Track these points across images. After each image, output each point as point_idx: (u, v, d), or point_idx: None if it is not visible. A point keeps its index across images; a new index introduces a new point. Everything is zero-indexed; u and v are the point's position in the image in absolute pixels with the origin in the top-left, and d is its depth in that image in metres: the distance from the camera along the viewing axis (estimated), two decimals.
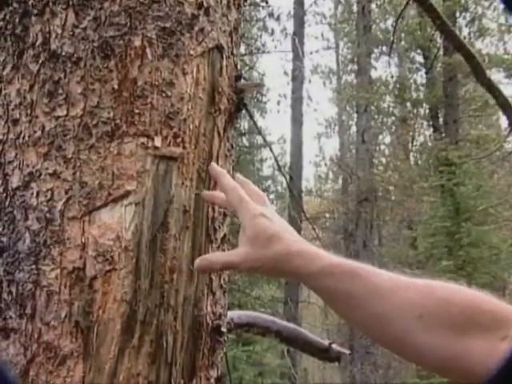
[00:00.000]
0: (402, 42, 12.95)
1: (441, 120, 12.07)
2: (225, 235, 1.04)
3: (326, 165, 18.99)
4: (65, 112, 0.91)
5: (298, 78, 12.40)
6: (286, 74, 14.89)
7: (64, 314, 0.85)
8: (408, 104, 13.97)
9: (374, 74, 14.26)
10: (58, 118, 0.91)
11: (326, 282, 0.76)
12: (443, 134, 10.78)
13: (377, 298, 0.72)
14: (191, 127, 0.96)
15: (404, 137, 14.06)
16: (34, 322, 0.86)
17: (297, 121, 12.53)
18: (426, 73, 12.84)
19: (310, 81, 15.64)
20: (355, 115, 14.65)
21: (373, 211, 12.94)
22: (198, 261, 0.87)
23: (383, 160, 15.71)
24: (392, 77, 13.63)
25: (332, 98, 18.97)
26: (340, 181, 17.91)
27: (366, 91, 12.38)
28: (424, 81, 13.32)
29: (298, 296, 11.68)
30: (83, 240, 0.87)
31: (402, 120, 14.04)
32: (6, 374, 0.67)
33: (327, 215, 16.44)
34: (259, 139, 15.88)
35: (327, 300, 0.78)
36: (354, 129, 16.21)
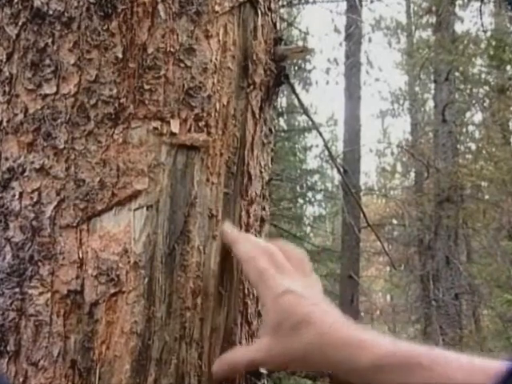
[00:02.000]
0: None
1: None
2: None
3: (392, 154, 18.85)
4: (54, 89, 0.93)
5: (353, 37, 12.34)
6: (337, 31, 14.86)
7: (57, 351, 0.87)
8: (508, 68, 13.75)
9: (459, 28, 14.10)
10: (45, 96, 0.94)
11: (377, 379, 0.77)
12: None
13: None
14: (218, 107, 0.98)
15: (502, 114, 13.84)
16: (19, 362, 0.88)
17: (353, 95, 12.48)
18: None
19: (370, 40, 15.53)
20: (433, 86, 14.51)
21: (458, 215, 12.80)
22: (215, 366, 0.92)
23: (472, 146, 15.51)
24: (485, 31, 13.42)
25: (400, 63, 18.83)
26: (412, 175, 17.76)
27: (448, 52, 12.25)
28: None
29: None
30: (80, 255, 0.89)
31: (499, 90, 13.81)
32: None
33: (395, 221, 16.32)
34: (302, 120, 15.87)
35: None
36: (430, 104, 16.06)
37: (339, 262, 12.52)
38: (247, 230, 1.02)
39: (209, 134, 0.97)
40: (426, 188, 14.89)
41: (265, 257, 0.92)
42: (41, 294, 0.89)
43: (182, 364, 0.91)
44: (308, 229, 15.71)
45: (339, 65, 14.27)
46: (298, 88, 14.29)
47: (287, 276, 0.90)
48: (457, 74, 13.51)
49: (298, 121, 16.26)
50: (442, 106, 12.77)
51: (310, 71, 14.49)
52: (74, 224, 0.91)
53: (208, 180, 0.97)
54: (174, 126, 0.94)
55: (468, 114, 15.54)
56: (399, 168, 19.28)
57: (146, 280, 0.90)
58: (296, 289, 0.88)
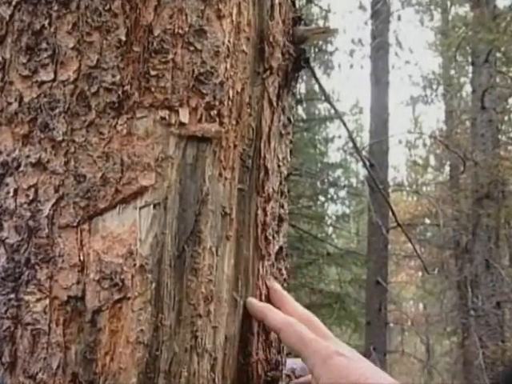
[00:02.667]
0: None
1: None
2: (281, 248, 1.07)
3: (424, 145, 18.80)
4: (51, 75, 0.94)
5: (381, 15, 12.31)
6: (362, 8, 14.82)
7: (56, 362, 0.89)
8: None
9: (500, 3, 14.00)
10: (41, 84, 0.95)
11: None
12: None
13: None
14: (231, 94, 0.99)
15: None
16: (15, 375, 0.90)
17: (380, 80, 12.44)
18: None
19: (399, 17, 15.47)
20: (470, 68, 14.44)
21: (499, 214, 12.73)
22: None
23: None
24: None
25: (434, 44, 18.76)
26: (447, 169, 17.70)
27: (489, 30, 12.17)
28: None
29: (385, 344, 11.61)
30: (81, 257, 0.91)
31: None
32: None
33: (428, 221, 16.27)
34: (323, 108, 15.83)
35: None
36: (468, 89, 15.98)
37: (365, 267, 12.49)
38: (264, 230, 1.03)
39: (221, 124, 0.98)
40: (462, 183, 14.82)
41: (303, 322, 0.97)
42: (38, 300, 0.90)
43: (193, 377, 0.92)
44: (330, 229, 15.69)
45: (365, 46, 14.25)
46: (319, 72, 14.28)
47: (330, 339, 0.96)
48: (498, 54, 13.41)
49: (318, 109, 16.22)
50: (480, 91, 12.69)
51: (332, 53, 14.47)
52: (74, 224, 0.92)
53: (221, 175, 0.98)
54: (183, 115, 0.95)
55: (510, 100, 15.43)
56: (432, 161, 19.22)
57: (154, 285, 0.91)
58: (343, 351, 0.92)
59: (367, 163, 9.82)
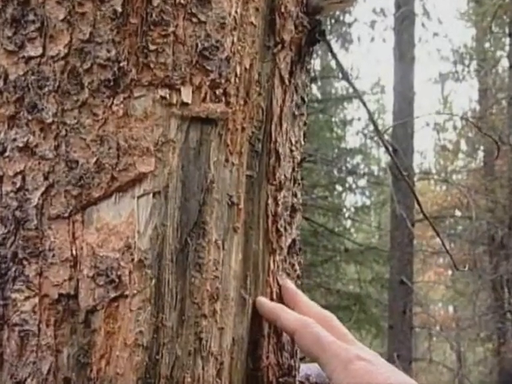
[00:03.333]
0: None
1: None
2: (294, 241, 1.08)
3: (454, 128, 18.75)
4: (40, 51, 0.95)
5: None
6: None
7: (47, 367, 0.90)
8: None
9: None
10: (29, 60, 0.96)
11: None
12: None
13: None
14: (238, 71, 1.00)
15: None
16: (1, 381, 0.91)
17: (405, 55, 12.40)
18: None
19: None
20: (507, 41, 14.39)
21: None
22: None
23: None
24: None
25: (466, 13, 18.68)
26: (480, 154, 17.65)
27: None
28: None
29: (410, 350, 11.62)
30: (74, 251, 0.92)
31: None
32: None
33: (458, 213, 16.24)
34: (340, 87, 15.79)
35: None
36: (504, 64, 15.92)
37: (388, 265, 12.48)
38: (275, 221, 1.04)
39: (228, 104, 0.99)
40: (497, 171, 14.79)
41: (319, 323, 0.98)
42: (27, 298, 0.91)
43: (197, 383, 0.93)
44: (348, 223, 15.68)
45: (387, 16, 14.21)
46: (336, 46, 14.23)
47: (350, 342, 0.97)
48: None
49: (335, 88, 16.20)
50: None
51: (350, 25, 14.41)
52: (66, 214, 0.93)
53: (227, 160, 0.99)
54: (186, 94, 0.96)
55: None
56: (463, 146, 19.17)
57: (154, 282, 0.92)
58: (366, 355, 0.93)
59: (390, 148, 9.77)
